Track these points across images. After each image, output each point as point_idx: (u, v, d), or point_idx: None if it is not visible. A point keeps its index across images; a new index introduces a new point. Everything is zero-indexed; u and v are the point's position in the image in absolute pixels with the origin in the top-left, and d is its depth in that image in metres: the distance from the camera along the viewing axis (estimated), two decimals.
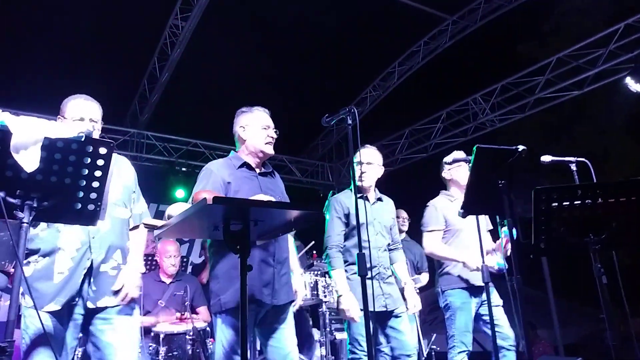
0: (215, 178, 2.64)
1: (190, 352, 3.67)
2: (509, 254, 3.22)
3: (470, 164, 2.61)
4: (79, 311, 2.32)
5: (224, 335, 2.51)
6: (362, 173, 3.39)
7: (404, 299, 3.44)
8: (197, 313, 4.43)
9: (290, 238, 2.94)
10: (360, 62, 7.79)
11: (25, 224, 1.80)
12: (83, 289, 2.31)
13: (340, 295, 3.17)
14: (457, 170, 3.79)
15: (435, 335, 5.86)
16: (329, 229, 3.35)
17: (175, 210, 2.56)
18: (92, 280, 2.32)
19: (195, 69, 7.11)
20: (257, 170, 2.79)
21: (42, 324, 2.03)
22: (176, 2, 6.15)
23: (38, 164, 1.77)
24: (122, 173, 2.58)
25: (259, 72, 7.37)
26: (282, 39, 6.94)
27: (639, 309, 7.60)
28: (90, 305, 2.31)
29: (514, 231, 2.51)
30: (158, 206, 7.72)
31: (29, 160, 1.74)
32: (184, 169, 8.22)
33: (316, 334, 4.89)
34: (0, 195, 1.75)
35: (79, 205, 1.91)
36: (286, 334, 2.64)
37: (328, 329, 4.46)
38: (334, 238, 3.31)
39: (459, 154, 3.65)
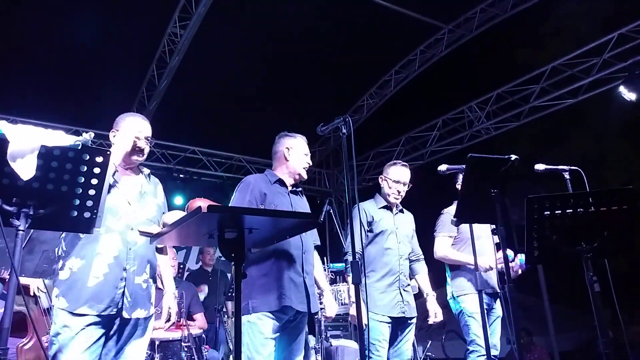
0: (254, 189, 2.82)
1: (185, 359, 3.66)
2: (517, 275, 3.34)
3: (463, 173, 2.63)
4: (117, 321, 2.38)
5: (249, 337, 2.62)
6: (398, 192, 3.54)
7: (426, 309, 3.58)
8: (193, 320, 4.43)
9: (315, 254, 3.10)
10: (357, 70, 7.83)
11: (21, 232, 1.82)
12: (121, 299, 2.36)
13: (354, 302, 3.24)
14: None
15: (430, 342, 5.86)
16: (350, 236, 3.44)
17: (171, 218, 2.59)
18: (128, 291, 2.37)
19: (194, 76, 7.14)
20: (289, 188, 3.00)
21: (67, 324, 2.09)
22: (175, 10, 6.18)
23: (35, 172, 1.80)
24: (157, 193, 2.71)
25: (256, 80, 7.41)
26: (279, 47, 6.98)
27: (634, 316, 7.62)
28: (125, 315, 2.36)
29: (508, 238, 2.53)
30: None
31: (25, 168, 1.77)
32: (181, 176, 8.24)
33: (312, 340, 4.89)
34: None
35: (75, 213, 1.93)
36: (300, 344, 2.83)
37: (323, 336, 4.47)
38: (352, 246, 3.39)
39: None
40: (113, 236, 2.39)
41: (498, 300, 3.76)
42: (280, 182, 2.97)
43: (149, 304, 2.50)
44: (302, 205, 3.03)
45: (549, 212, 2.30)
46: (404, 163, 3.61)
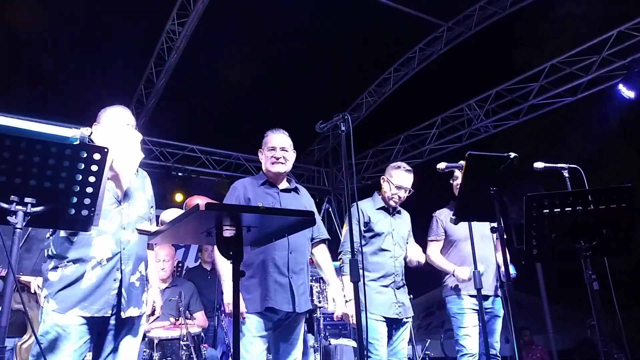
0: (239, 195, 2.91)
1: (184, 357, 3.66)
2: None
3: (462, 171, 2.63)
4: (112, 322, 2.36)
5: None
6: (398, 197, 3.52)
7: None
8: (193, 318, 4.42)
9: (323, 248, 3.11)
10: (356, 68, 7.83)
11: (18, 229, 1.81)
12: (117, 299, 2.34)
13: (348, 301, 3.25)
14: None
15: (429, 340, 5.87)
16: (346, 235, 3.45)
17: (169, 215, 2.58)
18: (124, 291, 2.35)
19: (192, 74, 7.12)
20: (280, 187, 3.00)
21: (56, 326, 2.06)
22: (173, 8, 6.17)
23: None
24: (145, 187, 2.65)
25: (255, 78, 7.40)
26: (278, 44, 6.97)
27: (633, 314, 7.64)
28: (122, 315, 2.34)
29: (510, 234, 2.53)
30: (153, 208, 7.71)
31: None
32: (180, 174, 8.23)
33: (310, 339, 4.89)
34: None
35: (73, 211, 1.92)
36: (297, 343, 2.86)
37: (322, 335, 4.47)
38: (350, 244, 3.38)
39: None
40: (106, 238, 2.35)
41: (498, 300, 3.77)
42: (269, 183, 3.00)
43: (141, 302, 2.48)
44: (296, 203, 3.01)
45: (548, 211, 2.30)
46: (409, 168, 3.58)
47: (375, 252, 3.40)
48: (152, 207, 2.69)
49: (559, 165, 3.33)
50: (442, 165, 3.25)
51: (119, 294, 2.33)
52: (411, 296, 4.48)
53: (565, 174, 3.32)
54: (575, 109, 7.79)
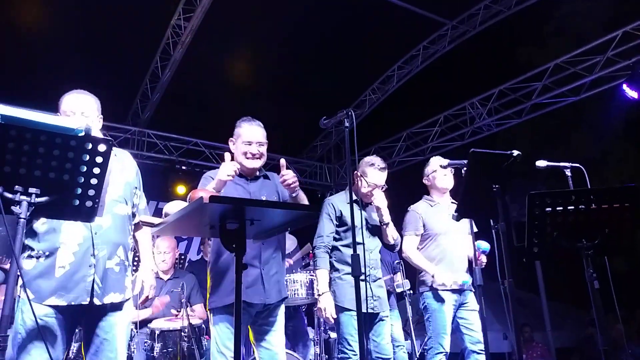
0: (210, 184, 2.76)
1: (185, 348, 3.68)
2: (483, 266, 3.29)
3: (465, 169, 2.64)
4: (87, 308, 2.31)
5: (216, 332, 2.68)
6: (371, 193, 3.45)
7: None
8: (192, 310, 4.44)
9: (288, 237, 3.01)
10: (360, 65, 7.82)
11: (22, 220, 1.82)
12: (91, 286, 2.29)
13: (321, 294, 3.29)
14: (434, 175, 3.89)
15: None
16: (319, 230, 3.45)
17: (173, 208, 2.59)
18: (97, 277, 2.31)
19: (197, 68, 7.13)
20: (249, 177, 2.91)
21: (35, 316, 2.02)
22: (179, 3, 6.17)
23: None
24: (124, 169, 2.58)
25: (259, 73, 7.40)
26: (283, 40, 6.97)
27: (632, 314, 7.65)
28: (97, 302, 2.29)
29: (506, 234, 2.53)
30: (157, 204, 7.76)
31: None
32: (184, 168, 8.25)
33: (310, 332, 4.91)
34: None
35: (77, 202, 1.92)
36: (276, 335, 2.79)
37: (322, 328, 4.49)
38: (324, 239, 3.40)
39: (435, 161, 3.81)
40: (75, 224, 2.29)
41: (471, 294, 3.70)
42: (238, 174, 2.86)
43: (124, 287, 2.42)
44: (267, 191, 2.91)
45: (550, 209, 2.30)
46: (383, 165, 3.51)
47: (347, 246, 3.32)
48: (135, 187, 2.61)
49: (561, 164, 3.32)
50: (444, 163, 3.26)
51: (94, 281, 2.29)
52: (411, 292, 4.49)
53: (568, 173, 3.32)
54: (579, 108, 7.78)
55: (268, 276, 2.76)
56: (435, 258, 3.72)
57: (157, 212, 7.23)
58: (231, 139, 2.96)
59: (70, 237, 2.30)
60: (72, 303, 2.23)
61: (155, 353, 3.69)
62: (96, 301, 2.28)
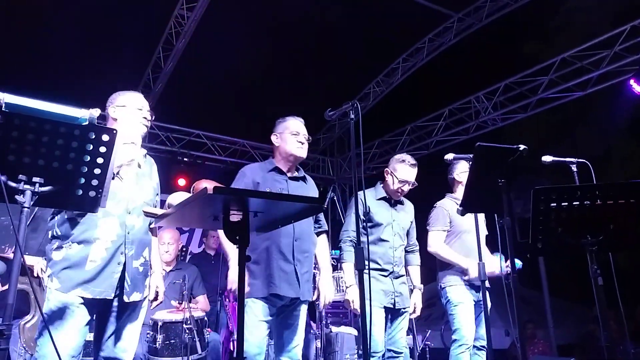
0: (247, 180, 2.90)
1: (187, 340, 3.69)
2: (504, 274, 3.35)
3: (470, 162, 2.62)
4: (115, 305, 2.39)
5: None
6: (401, 190, 3.53)
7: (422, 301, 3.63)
8: (196, 301, 4.45)
9: (322, 239, 3.12)
10: (365, 57, 7.77)
11: (26, 209, 1.82)
12: (121, 283, 2.36)
13: (348, 287, 3.33)
14: (465, 174, 3.86)
15: (430, 331, 5.89)
16: (346, 224, 3.53)
17: (176, 199, 2.59)
18: (127, 275, 2.37)
19: (200, 59, 7.09)
20: (288, 175, 3.00)
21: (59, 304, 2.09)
22: None
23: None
24: (152, 175, 2.68)
25: (263, 65, 7.36)
26: (287, 32, 6.92)
27: (635, 311, 7.63)
28: (125, 299, 2.36)
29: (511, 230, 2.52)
30: (159, 195, 7.74)
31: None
32: (185, 159, 8.24)
33: (312, 327, 4.92)
34: (2, 179, 1.76)
35: (80, 192, 1.93)
36: (298, 330, 2.86)
37: (324, 322, 4.50)
38: (349, 233, 3.46)
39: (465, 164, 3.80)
40: (112, 220, 2.37)
41: (486, 291, 3.74)
42: (277, 170, 2.99)
43: (144, 287, 2.50)
44: (303, 191, 3.03)
45: (555, 204, 2.28)
46: (414, 162, 3.56)
47: (374, 242, 3.42)
48: (157, 194, 2.71)
49: (567, 159, 3.31)
50: (450, 156, 3.25)
51: (122, 278, 2.35)
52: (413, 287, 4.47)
53: (574, 168, 3.30)
54: (585, 103, 7.72)
55: (301, 273, 2.83)
56: (459, 255, 3.75)
57: (159, 203, 7.23)
58: (274, 134, 3.06)
59: (105, 233, 2.35)
60: (97, 297, 2.29)
61: (157, 344, 3.70)
62: (125, 298, 2.36)
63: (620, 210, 2.31)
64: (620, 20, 6.48)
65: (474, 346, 3.62)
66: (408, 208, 3.71)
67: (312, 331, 4.82)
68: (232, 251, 2.78)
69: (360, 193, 3.51)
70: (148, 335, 3.79)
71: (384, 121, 8.86)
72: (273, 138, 3.06)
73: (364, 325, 2.37)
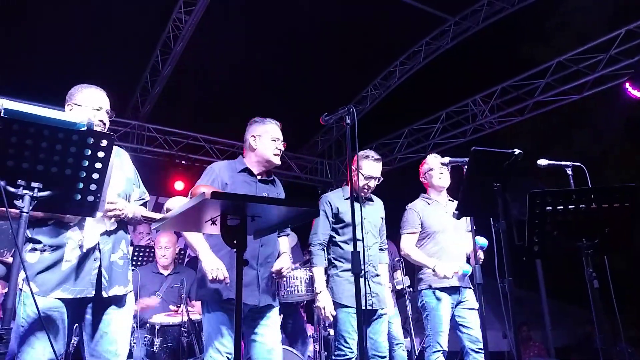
0: (216, 177, 2.84)
1: (184, 343, 3.70)
2: (480, 262, 3.28)
3: (466, 167, 2.64)
4: (97, 301, 2.34)
5: (210, 327, 2.74)
6: (368, 186, 3.49)
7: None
8: (192, 305, 4.46)
9: (283, 240, 3.07)
10: (362, 61, 7.79)
11: (25, 214, 1.83)
12: (98, 279, 2.32)
13: (318, 293, 3.28)
14: (430, 174, 3.90)
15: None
16: (315, 227, 3.45)
17: (174, 203, 2.60)
18: (104, 270, 2.34)
19: (198, 63, 7.12)
20: (258, 177, 2.95)
21: (38, 310, 2.02)
22: None
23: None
24: (124, 165, 2.60)
25: (260, 68, 7.38)
26: (284, 36, 6.94)
27: (631, 313, 7.66)
28: (104, 294, 2.32)
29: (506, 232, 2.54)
30: (157, 198, 7.75)
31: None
32: (183, 162, 8.25)
33: (309, 329, 4.92)
34: (1, 184, 1.77)
35: (79, 197, 1.93)
36: (270, 331, 2.79)
37: (322, 325, 4.50)
38: (319, 236, 3.40)
39: (432, 159, 3.86)
40: (82, 219, 2.32)
41: (470, 292, 3.71)
42: (248, 172, 2.95)
43: (127, 279, 2.46)
44: (272, 195, 2.97)
45: (550, 208, 2.30)
46: (377, 157, 3.53)
47: (346, 242, 3.35)
48: (134, 184, 2.62)
49: (562, 162, 3.33)
50: (446, 160, 3.26)
51: (100, 273, 2.32)
52: (412, 289, 4.50)
53: (569, 171, 3.32)
54: (581, 107, 7.77)
55: (262, 278, 2.78)
56: (433, 255, 3.72)
57: (157, 207, 7.23)
58: (252, 135, 3.00)
59: (77, 232, 2.31)
60: (78, 296, 2.25)
61: (155, 348, 3.71)
62: (103, 294, 2.31)
63: (615, 213, 2.33)
64: (616, 23, 6.53)
65: (472, 349, 3.56)
66: (377, 205, 3.65)
67: (309, 334, 4.83)
68: (198, 242, 2.74)
69: (328, 195, 3.54)
70: (146, 339, 3.79)
71: (382, 124, 8.89)
72: (250, 139, 2.99)
73: (359, 327, 2.37)
